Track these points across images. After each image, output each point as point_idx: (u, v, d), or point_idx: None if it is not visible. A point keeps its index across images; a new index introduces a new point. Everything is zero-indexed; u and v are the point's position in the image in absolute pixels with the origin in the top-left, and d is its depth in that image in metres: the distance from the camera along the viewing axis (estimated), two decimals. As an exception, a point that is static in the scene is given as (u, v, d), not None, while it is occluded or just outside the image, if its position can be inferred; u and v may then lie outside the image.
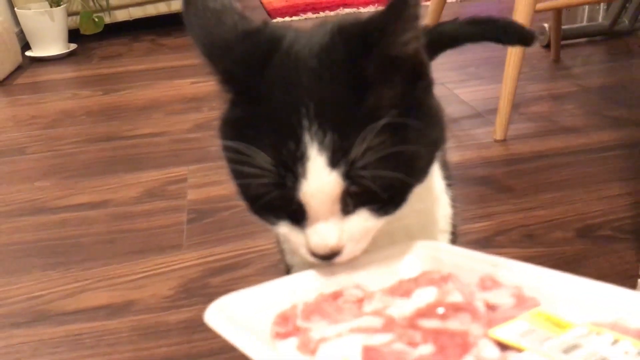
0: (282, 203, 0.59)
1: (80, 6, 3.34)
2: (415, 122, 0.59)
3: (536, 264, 1.29)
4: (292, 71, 0.58)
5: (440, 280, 0.60)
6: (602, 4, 2.77)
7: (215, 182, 1.76)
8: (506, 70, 1.85)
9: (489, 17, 1.00)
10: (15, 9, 3.20)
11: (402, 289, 0.60)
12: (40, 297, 1.34)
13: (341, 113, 0.56)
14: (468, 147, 1.84)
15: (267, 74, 0.58)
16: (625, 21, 2.73)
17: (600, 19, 2.79)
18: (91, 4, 3.34)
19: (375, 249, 0.65)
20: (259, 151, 0.57)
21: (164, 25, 3.51)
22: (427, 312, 0.55)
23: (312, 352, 0.53)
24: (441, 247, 0.66)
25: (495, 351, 0.49)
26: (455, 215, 0.78)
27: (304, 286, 0.63)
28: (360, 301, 0.60)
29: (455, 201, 0.79)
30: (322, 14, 3.64)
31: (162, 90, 2.62)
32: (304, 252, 0.62)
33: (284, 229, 0.62)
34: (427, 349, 0.50)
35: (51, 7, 3.17)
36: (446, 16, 1.40)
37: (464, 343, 0.50)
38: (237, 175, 0.61)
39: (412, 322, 0.54)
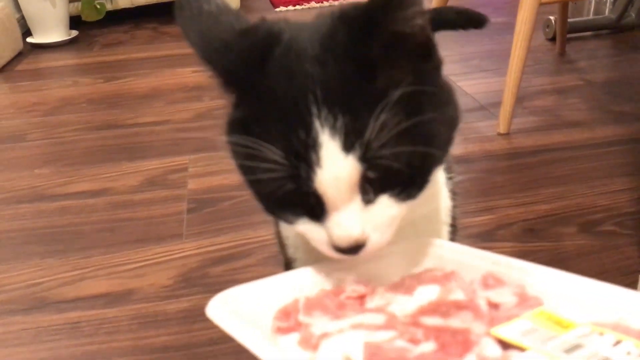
0: (298, 198, 0.57)
1: (82, -7, 3.33)
2: (429, 92, 0.57)
3: (537, 258, 1.30)
4: (294, 61, 0.56)
5: (443, 278, 0.60)
6: (608, -2, 2.76)
7: (216, 172, 1.76)
8: (511, 63, 1.84)
9: (443, 7, 1.00)
10: (17, -5, 3.19)
11: (405, 286, 0.60)
12: (39, 285, 1.34)
13: (350, 95, 0.55)
14: (471, 140, 1.83)
15: (269, 69, 0.57)
16: (632, 15, 2.72)
17: (606, 13, 2.78)
18: (93, -10, 3.33)
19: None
20: (267, 144, 0.55)
21: (166, 13, 3.45)
22: (430, 309, 0.54)
23: (314, 347, 0.53)
24: (444, 244, 0.66)
25: (497, 350, 0.49)
26: (454, 207, 0.78)
27: (306, 281, 0.63)
28: (362, 297, 0.60)
29: (455, 194, 0.78)
30: (325, 3, 3.62)
31: (163, 78, 2.62)
32: (326, 249, 0.59)
33: (304, 226, 0.60)
34: (428, 346, 0.50)
35: (53, -7, 3.16)
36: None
37: (466, 341, 0.49)
38: (248, 172, 0.59)
39: (414, 320, 0.53)
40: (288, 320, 0.57)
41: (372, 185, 0.57)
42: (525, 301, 0.55)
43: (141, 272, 1.35)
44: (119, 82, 2.63)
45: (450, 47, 2.44)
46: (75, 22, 3.33)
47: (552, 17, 2.61)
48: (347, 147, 0.54)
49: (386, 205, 0.58)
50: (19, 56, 3.01)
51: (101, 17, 3.37)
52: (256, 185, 0.59)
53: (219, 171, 1.76)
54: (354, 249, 0.58)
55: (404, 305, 0.57)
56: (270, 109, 0.56)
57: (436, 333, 0.51)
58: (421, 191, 0.59)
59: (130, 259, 1.40)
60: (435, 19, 0.97)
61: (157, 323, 1.20)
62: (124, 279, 1.34)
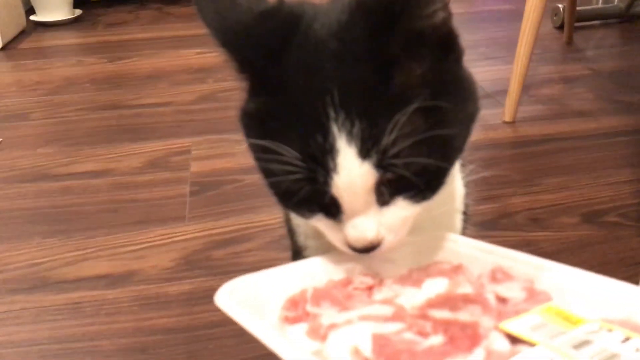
0: (315, 198, 0.57)
1: (86, -29, 3.31)
2: (449, 101, 0.55)
3: (540, 248, 1.30)
4: (312, 55, 0.55)
5: (451, 271, 0.60)
6: (618, -14, 2.74)
7: (219, 155, 1.75)
8: (518, 51, 1.84)
9: None
10: (21, -29, 3.17)
11: (413, 279, 0.59)
12: (41, 264, 1.34)
13: (368, 98, 0.53)
14: (476, 128, 1.82)
15: (287, 60, 0.55)
16: (641, 4, 2.70)
17: (615, 2, 2.76)
18: (98, -31, 3.31)
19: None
20: (285, 147, 0.54)
21: (171, -6, 3.48)
22: (438, 302, 0.54)
23: (322, 338, 0.52)
24: (452, 237, 0.65)
25: (506, 344, 0.49)
26: (467, 195, 0.77)
27: (314, 271, 0.63)
28: (370, 289, 0.60)
29: (467, 182, 0.77)
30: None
31: (167, 59, 2.60)
32: (341, 246, 0.59)
33: (319, 223, 0.60)
34: (437, 339, 0.50)
35: (57, -30, 3.14)
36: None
37: (475, 335, 0.49)
38: (266, 172, 0.58)
39: (422, 312, 0.53)
40: (296, 310, 0.57)
41: (387, 188, 0.56)
42: (534, 296, 0.55)
43: (143, 254, 1.35)
44: (123, 62, 2.61)
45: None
46: (79, 0, 3.31)
47: (560, 5, 2.59)
48: (364, 154, 0.53)
49: (401, 207, 0.58)
50: (22, 34, 2.99)
51: (105, -4, 3.35)
52: (274, 184, 0.58)
53: (222, 154, 1.75)
54: (369, 249, 0.58)
55: (412, 297, 0.56)
56: (287, 106, 0.55)
57: (445, 326, 0.50)
58: (436, 193, 0.59)
59: (133, 241, 1.40)
60: None
61: (159, 305, 1.20)
62: (125, 260, 1.34)
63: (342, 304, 0.57)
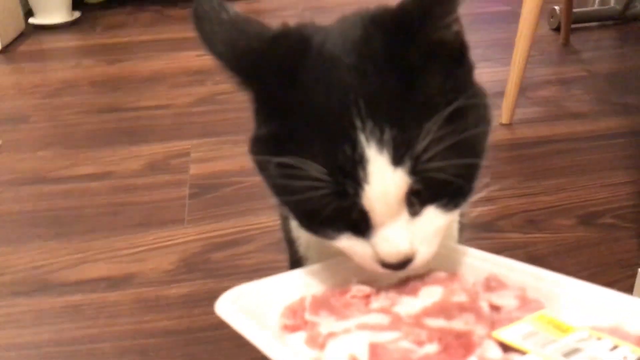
0: (341, 214, 0.55)
1: (85, -27, 3.31)
2: (470, 107, 0.55)
3: (537, 250, 1.30)
4: (330, 71, 0.54)
5: (447, 279, 0.60)
6: (615, -12, 2.75)
7: (218, 157, 1.76)
8: (515, 53, 1.84)
9: None
10: (20, -26, 3.17)
11: (409, 287, 0.60)
12: (41, 267, 1.34)
13: (394, 106, 0.52)
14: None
15: (303, 79, 0.55)
16: (638, 6, 2.69)
17: (612, 3, 2.77)
18: (96, -29, 3.30)
19: None
20: (309, 162, 0.52)
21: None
22: (433, 311, 0.55)
23: (321, 346, 0.53)
24: (449, 246, 0.66)
25: (498, 352, 0.49)
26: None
27: (312, 280, 0.63)
28: (367, 297, 0.60)
29: None
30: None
31: (166, 62, 2.60)
32: (371, 264, 0.57)
33: (346, 242, 0.57)
34: (432, 348, 0.50)
35: (56, -27, 3.14)
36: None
37: (468, 343, 0.50)
38: (286, 192, 0.56)
39: (418, 321, 0.54)
40: (295, 318, 0.58)
41: (418, 198, 0.55)
42: (526, 304, 0.56)
43: (143, 257, 1.36)
44: (122, 64, 2.61)
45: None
46: (77, 3, 3.30)
47: (557, 7, 2.59)
48: (397, 160, 0.52)
49: (433, 217, 0.56)
50: (21, 37, 2.98)
51: (104, -2, 3.35)
52: (297, 204, 0.57)
53: (221, 156, 1.76)
54: (403, 264, 0.56)
55: (408, 306, 0.57)
56: (308, 124, 0.54)
57: (439, 334, 0.51)
58: (467, 200, 0.58)
59: (132, 243, 1.40)
60: None
61: (159, 307, 1.20)
62: (125, 263, 1.34)
63: (340, 313, 0.57)
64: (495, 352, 0.49)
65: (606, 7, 2.78)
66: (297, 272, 0.64)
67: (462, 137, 0.53)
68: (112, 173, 1.72)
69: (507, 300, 0.56)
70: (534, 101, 2.04)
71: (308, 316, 0.57)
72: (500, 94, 1.90)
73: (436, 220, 0.57)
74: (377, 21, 0.56)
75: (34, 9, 3.18)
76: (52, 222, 1.51)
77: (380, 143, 0.51)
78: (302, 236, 0.74)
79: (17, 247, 1.41)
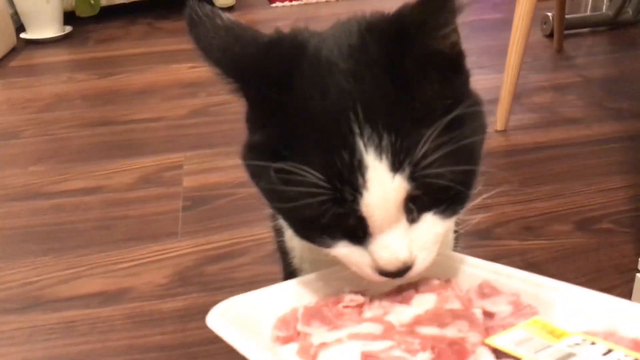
0: (338, 221, 0.55)
1: (76, -12, 3.30)
2: (466, 115, 0.55)
3: (534, 256, 1.29)
4: (326, 77, 0.54)
5: (440, 286, 0.60)
6: (606, -6, 2.76)
7: (212, 169, 1.75)
8: (508, 60, 1.84)
9: None
10: (11, -10, 3.17)
11: (402, 295, 0.60)
12: (34, 283, 1.33)
13: (392, 112, 0.52)
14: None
15: (299, 85, 0.54)
16: (630, 11, 2.71)
17: (604, 9, 2.78)
18: (87, -14, 3.30)
19: None
20: (306, 168, 0.52)
21: (161, 8, 3.48)
22: (426, 319, 0.55)
23: (313, 357, 0.53)
24: (442, 253, 0.65)
25: (492, 359, 0.49)
26: None
27: (304, 290, 0.62)
28: (360, 306, 0.59)
29: None
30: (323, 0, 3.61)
31: (158, 74, 2.60)
32: (369, 272, 0.57)
33: (343, 250, 0.57)
34: (425, 356, 0.50)
35: (47, -12, 3.13)
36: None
37: (462, 350, 0.50)
38: (282, 199, 0.56)
39: (411, 329, 0.53)
40: (287, 329, 0.57)
41: (416, 205, 0.55)
42: (520, 310, 0.56)
43: (136, 271, 1.34)
44: (114, 78, 2.61)
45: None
46: (69, 17, 3.31)
47: (549, 14, 2.60)
48: (395, 167, 0.51)
49: (431, 224, 0.56)
50: (12, 52, 2.98)
51: (95, 12, 3.35)
52: (293, 211, 0.56)
53: (215, 168, 1.75)
54: (401, 271, 0.56)
55: (401, 314, 0.57)
56: (305, 129, 0.53)
57: (433, 342, 0.51)
58: (464, 207, 0.58)
59: (125, 258, 1.39)
60: None
61: (153, 322, 1.19)
62: (118, 278, 1.33)
63: (333, 323, 0.57)
64: (488, 359, 0.49)
65: (598, 13, 2.79)
66: (289, 283, 0.64)
67: (460, 144, 0.53)
68: (104, 187, 1.71)
69: (500, 307, 0.56)
70: (528, 107, 2.04)
71: (300, 327, 0.57)
72: (495, 101, 1.90)
73: (434, 227, 0.56)
74: (374, 29, 0.56)
75: (26, 24, 3.18)
76: (44, 237, 1.50)
77: (379, 149, 0.51)
78: (296, 247, 0.74)
79: (9, 263, 1.40)
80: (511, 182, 1.58)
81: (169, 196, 1.64)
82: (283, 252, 0.78)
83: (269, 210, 0.78)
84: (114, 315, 1.22)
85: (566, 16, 2.55)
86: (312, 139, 0.53)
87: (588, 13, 2.84)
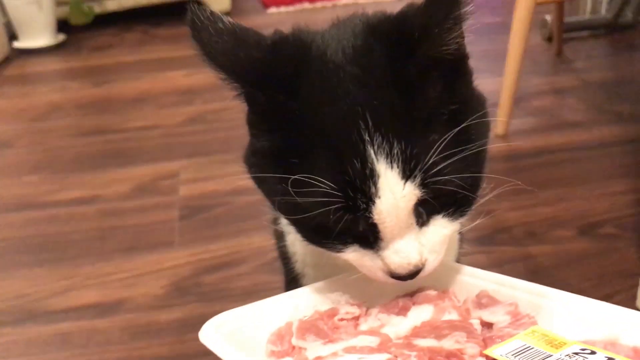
0: (349, 227, 0.55)
1: (69, -4, 3.29)
2: (470, 106, 0.56)
3: (537, 262, 1.28)
4: (333, 81, 0.54)
5: (437, 297, 0.60)
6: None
7: (208, 178, 1.73)
8: (507, 64, 1.83)
9: None
10: (3, -2, 3.15)
11: (399, 307, 0.60)
12: (28, 295, 1.31)
13: (400, 119, 0.53)
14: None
15: (306, 89, 0.55)
16: (629, 14, 2.71)
17: (603, 12, 2.78)
18: (81, -7, 3.29)
19: None
20: (318, 177, 0.52)
21: (156, 16, 3.47)
22: (423, 330, 0.55)
23: None
24: (442, 263, 0.65)
25: None
26: None
27: (300, 303, 0.62)
28: (356, 319, 0.60)
29: None
30: (318, 4, 3.60)
31: (153, 82, 2.59)
32: (380, 275, 0.58)
33: (354, 254, 0.58)
34: None
35: (40, -4, 3.12)
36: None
37: None
38: (291, 207, 0.56)
39: (407, 341, 0.54)
40: (282, 343, 0.57)
41: (425, 208, 0.56)
42: (518, 320, 0.56)
43: (132, 282, 1.33)
44: (108, 86, 2.60)
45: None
46: (62, 25, 3.29)
47: (548, 17, 2.59)
48: (406, 174, 0.52)
49: (440, 226, 0.57)
50: (5, 61, 2.97)
51: (89, 20, 3.33)
52: (305, 220, 0.56)
53: (211, 177, 1.73)
54: (412, 274, 0.57)
55: (398, 326, 0.57)
56: (313, 136, 0.54)
57: (430, 354, 0.51)
58: (472, 208, 0.59)
59: (121, 268, 1.38)
60: None
61: (149, 333, 1.18)
62: (114, 289, 1.31)
63: (328, 336, 0.57)
64: (487, 370, 0.50)
65: (597, 16, 2.79)
66: (284, 296, 0.64)
67: (467, 147, 0.54)
68: (99, 197, 1.70)
69: (498, 317, 0.57)
70: (528, 111, 2.03)
71: (295, 341, 0.57)
72: (494, 105, 1.89)
73: (443, 230, 0.58)
74: (377, 32, 0.56)
75: (19, 33, 3.16)
76: (38, 248, 1.49)
77: (390, 157, 0.52)
78: (298, 252, 0.74)
79: (3, 275, 1.39)
80: (513, 187, 1.56)
81: (165, 205, 1.62)
82: (284, 257, 0.78)
83: (269, 216, 0.77)
84: (111, 326, 1.21)
85: (565, 19, 2.55)
86: (322, 146, 0.53)
87: (587, 16, 2.84)
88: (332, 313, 0.60)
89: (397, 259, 0.55)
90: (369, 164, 0.52)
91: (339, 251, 0.58)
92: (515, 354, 0.50)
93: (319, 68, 0.55)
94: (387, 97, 0.53)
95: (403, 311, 0.59)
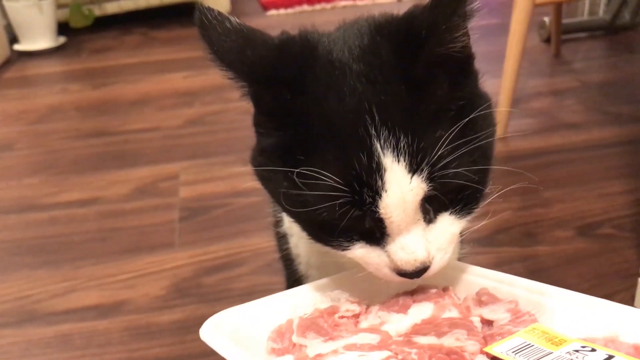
0: (355, 223, 0.55)
1: (69, -2, 3.29)
2: (476, 104, 0.56)
3: (536, 262, 1.29)
4: (340, 80, 0.54)
5: (437, 295, 0.60)
6: (602, -2, 2.76)
7: (208, 179, 1.74)
8: (506, 65, 1.83)
9: None
10: (3, 1, 3.15)
11: (399, 304, 0.60)
12: (29, 297, 1.31)
13: (406, 114, 0.53)
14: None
15: (313, 86, 0.55)
16: (626, 16, 2.71)
17: (601, 13, 2.78)
18: (81, -4, 3.29)
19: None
20: (324, 172, 0.52)
21: (155, 18, 3.47)
22: (424, 328, 0.55)
23: None
24: None
25: None
26: None
27: (301, 300, 0.62)
28: (356, 316, 0.60)
29: None
30: (317, 6, 3.60)
31: (153, 84, 2.59)
32: (387, 273, 0.58)
33: (359, 251, 0.58)
34: None
35: (40, -1, 3.12)
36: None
37: (460, 359, 0.50)
38: (297, 203, 0.56)
39: (408, 339, 0.54)
40: (282, 341, 0.57)
41: (432, 205, 0.56)
42: (519, 317, 0.56)
43: (133, 283, 1.33)
44: (108, 88, 2.60)
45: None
46: (63, 28, 3.29)
47: (546, 19, 2.60)
48: (413, 168, 0.52)
49: (447, 224, 0.57)
50: (5, 64, 2.97)
51: (89, 23, 3.34)
52: (309, 215, 0.56)
53: (211, 178, 1.74)
54: (419, 271, 0.56)
55: (398, 324, 0.57)
56: (320, 132, 0.54)
57: (430, 352, 0.51)
58: (479, 206, 0.59)
59: (122, 270, 1.38)
60: None
61: (150, 334, 1.18)
62: (115, 290, 1.32)
63: (328, 334, 0.57)
64: (487, 367, 0.50)
65: (595, 17, 2.79)
66: (284, 294, 0.64)
67: (473, 143, 0.54)
68: (100, 198, 1.70)
69: (499, 314, 0.57)
70: (527, 113, 2.03)
71: (295, 338, 0.57)
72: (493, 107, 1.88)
73: (450, 227, 0.57)
74: (384, 31, 0.56)
75: (19, 36, 3.16)
76: (39, 250, 1.49)
77: (396, 151, 0.52)
78: (302, 254, 0.74)
79: (4, 276, 1.39)
80: (511, 189, 1.57)
81: (166, 207, 1.62)
82: (287, 259, 0.78)
83: (270, 218, 0.77)
84: (111, 328, 1.21)
85: (563, 21, 2.55)
86: (328, 142, 0.54)
87: (585, 17, 2.84)
88: (332, 311, 0.60)
89: (403, 254, 0.55)
90: (376, 158, 0.52)
91: (345, 249, 0.58)
92: (516, 352, 0.50)
93: (326, 66, 0.55)
94: (394, 93, 0.53)
95: (403, 309, 0.59)
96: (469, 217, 0.59)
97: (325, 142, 0.53)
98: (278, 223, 0.77)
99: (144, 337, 1.17)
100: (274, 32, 0.61)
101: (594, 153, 1.74)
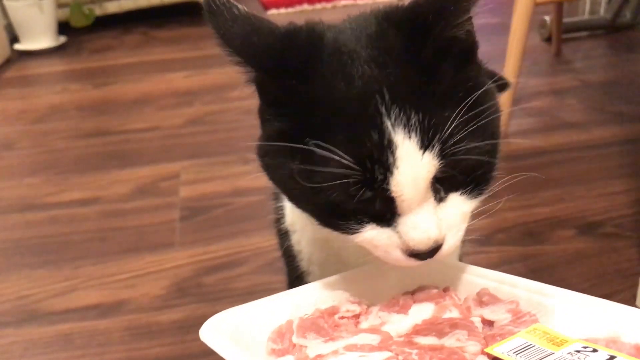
0: (365, 204, 0.55)
1: (70, -2, 3.29)
2: (488, 92, 0.57)
3: (537, 262, 1.28)
4: (348, 63, 0.55)
5: (438, 295, 0.60)
6: (603, -3, 2.76)
7: (209, 179, 1.73)
8: (507, 64, 1.83)
9: None
10: (4, 0, 3.15)
11: (400, 305, 0.60)
12: (29, 296, 1.31)
13: (417, 93, 0.53)
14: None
15: (320, 72, 0.55)
16: (627, 15, 2.71)
17: (602, 13, 2.78)
18: (81, -4, 3.29)
19: (373, 262, 0.63)
20: (334, 149, 0.52)
21: (156, 18, 3.47)
22: (424, 328, 0.55)
23: None
24: (443, 261, 0.65)
25: None
26: None
27: (301, 301, 0.62)
28: (356, 317, 0.60)
29: None
30: (318, 5, 3.60)
31: (153, 84, 2.59)
32: (398, 255, 0.57)
33: (370, 233, 0.57)
34: None
35: (40, -1, 3.12)
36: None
37: None
38: (306, 188, 0.56)
39: (408, 339, 0.54)
40: (282, 341, 0.57)
41: (442, 185, 0.56)
42: (520, 318, 0.56)
43: (133, 282, 1.33)
44: (109, 88, 2.60)
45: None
46: (63, 28, 3.29)
47: (547, 18, 2.60)
48: (424, 144, 0.52)
49: (458, 203, 0.57)
50: (6, 63, 2.97)
51: (90, 22, 3.34)
52: (319, 197, 0.56)
53: (212, 178, 1.74)
54: (432, 251, 0.56)
55: (398, 324, 0.57)
56: (328, 116, 0.54)
57: (431, 353, 0.51)
58: (490, 186, 0.60)
59: (122, 269, 1.38)
60: None
61: (150, 334, 1.18)
62: (115, 290, 1.31)
63: (328, 334, 0.57)
64: (488, 367, 0.50)
65: (596, 16, 2.79)
66: (284, 294, 0.64)
67: (482, 121, 0.55)
68: (100, 198, 1.70)
69: (500, 315, 0.57)
70: (527, 112, 2.03)
71: (295, 339, 0.57)
72: (493, 106, 1.89)
73: (462, 207, 0.58)
74: (391, 18, 0.57)
75: (19, 35, 3.16)
76: (39, 249, 1.49)
77: (407, 128, 0.52)
78: (304, 251, 0.74)
79: (4, 276, 1.38)
80: (512, 188, 1.57)
81: (166, 206, 1.62)
82: (289, 256, 0.78)
83: (272, 216, 0.77)
84: (112, 327, 1.21)
85: (564, 20, 2.55)
86: (338, 124, 0.54)
87: (586, 17, 2.83)
88: (332, 311, 0.60)
89: (415, 234, 0.55)
90: (387, 135, 0.52)
91: (355, 232, 0.57)
92: (517, 352, 0.49)
93: (333, 53, 0.56)
94: (403, 75, 0.54)
95: (404, 309, 0.59)
96: (479, 198, 0.59)
97: (334, 123, 0.54)
98: (280, 220, 0.77)
99: (144, 337, 1.17)
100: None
101: (595, 152, 1.74)
